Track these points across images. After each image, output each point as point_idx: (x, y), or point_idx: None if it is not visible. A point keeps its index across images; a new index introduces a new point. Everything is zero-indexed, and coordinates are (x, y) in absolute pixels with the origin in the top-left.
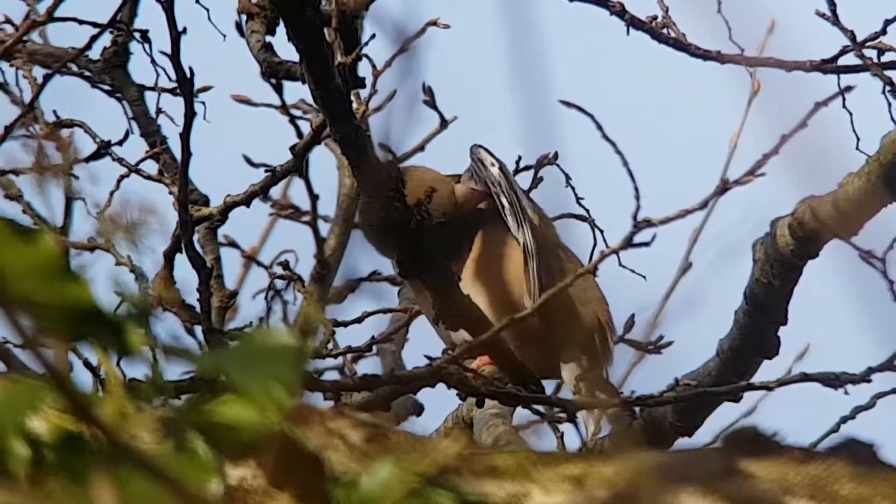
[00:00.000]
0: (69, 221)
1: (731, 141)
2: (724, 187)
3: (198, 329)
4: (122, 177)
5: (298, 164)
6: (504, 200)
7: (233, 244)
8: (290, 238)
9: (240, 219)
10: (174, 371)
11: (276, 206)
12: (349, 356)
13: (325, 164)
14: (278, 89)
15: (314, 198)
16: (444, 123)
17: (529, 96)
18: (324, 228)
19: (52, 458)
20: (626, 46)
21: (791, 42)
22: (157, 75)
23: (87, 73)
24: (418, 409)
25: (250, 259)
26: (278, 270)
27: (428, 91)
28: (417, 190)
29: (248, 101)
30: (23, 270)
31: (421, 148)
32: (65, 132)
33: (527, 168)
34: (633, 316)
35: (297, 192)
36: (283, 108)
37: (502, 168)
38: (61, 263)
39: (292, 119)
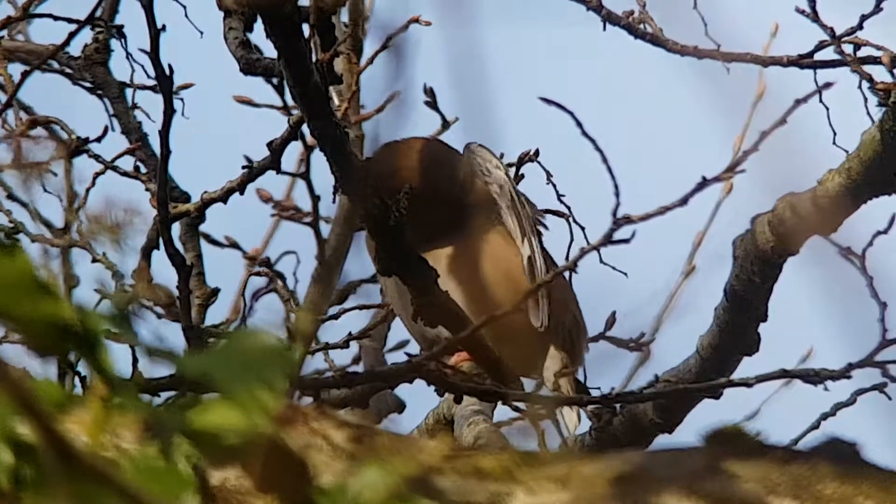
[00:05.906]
0: (72, 221)
1: (733, 145)
2: (702, 184)
3: (179, 326)
4: (98, 173)
5: (276, 160)
6: (504, 204)
7: (235, 245)
8: (293, 240)
9: (242, 219)
10: (158, 372)
11: (277, 207)
12: (328, 352)
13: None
14: (279, 90)
15: (315, 199)
16: (445, 124)
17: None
18: (325, 229)
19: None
20: (603, 42)
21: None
22: (133, 70)
23: (67, 71)
24: (400, 406)
25: (253, 261)
26: (261, 269)
27: (429, 92)
28: (410, 162)
29: (250, 102)
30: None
31: None
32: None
33: (509, 165)
34: (614, 313)
35: (299, 194)
36: (285, 110)
37: (507, 171)
38: (36, 278)
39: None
